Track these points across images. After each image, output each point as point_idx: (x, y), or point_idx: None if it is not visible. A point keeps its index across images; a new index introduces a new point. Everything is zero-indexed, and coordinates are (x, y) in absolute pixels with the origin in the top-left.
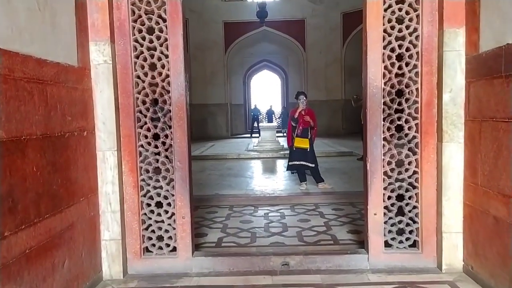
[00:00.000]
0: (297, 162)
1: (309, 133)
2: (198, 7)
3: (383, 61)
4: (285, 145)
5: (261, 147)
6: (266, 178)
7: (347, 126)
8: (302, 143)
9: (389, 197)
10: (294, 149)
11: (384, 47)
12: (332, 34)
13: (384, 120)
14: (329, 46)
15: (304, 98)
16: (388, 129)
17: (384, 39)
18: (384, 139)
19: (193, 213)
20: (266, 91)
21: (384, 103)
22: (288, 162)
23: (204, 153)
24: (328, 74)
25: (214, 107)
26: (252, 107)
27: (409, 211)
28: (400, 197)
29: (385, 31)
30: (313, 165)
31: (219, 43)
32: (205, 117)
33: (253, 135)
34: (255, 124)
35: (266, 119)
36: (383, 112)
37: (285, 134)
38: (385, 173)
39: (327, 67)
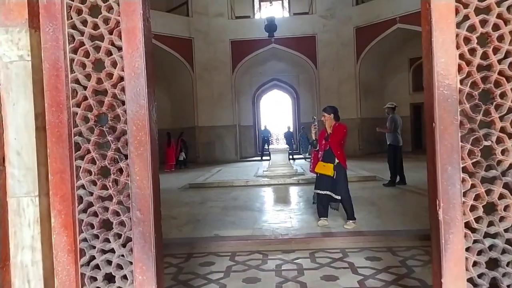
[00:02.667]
0: (321, 192)
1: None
2: (204, 26)
3: (458, 47)
4: (299, 170)
5: (272, 172)
6: (278, 211)
7: (364, 146)
8: (323, 169)
9: (475, 263)
10: (318, 175)
11: (458, 25)
12: (345, 50)
13: (463, 140)
14: (342, 62)
15: (326, 114)
16: (470, 153)
17: (457, 12)
18: (464, 170)
19: None
20: (276, 111)
21: (463, 112)
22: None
23: (208, 179)
24: (342, 92)
25: (222, 129)
26: (262, 128)
27: (509, 286)
28: (493, 263)
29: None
30: (339, 198)
31: (227, 62)
32: (213, 140)
33: (264, 158)
34: (266, 147)
35: (286, 143)
36: (461, 127)
37: (305, 157)
38: (467, 225)
39: (340, 85)
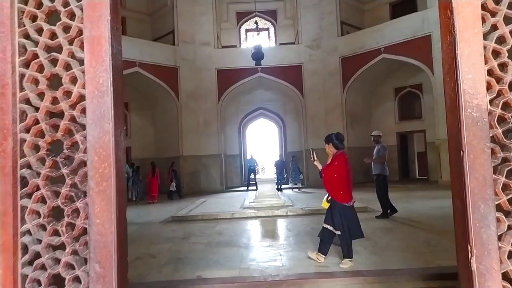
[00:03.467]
0: (324, 225)
1: None
2: (190, 55)
3: (486, 62)
4: (287, 201)
5: (259, 203)
6: (267, 247)
7: (353, 176)
8: (323, 202)
9: None
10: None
11: (485, 37)
12: (331, 79)
13: (496, 172)
14: (328, 91)
15: (325, 144)
16: (505, 188)
17: (483, 21)
18: (499, 208)
19: None
20: (263, 140)
21: (494, 139)
22: None
23: (192, 212)
24: (328, 121)
25: (207, 159)
26: (248, 157)
27: None
28: None
29: (484, 7)
30: (339, 232)
31: (212, 91)
32: (198, 170)
33: (250, 187)
34: (252, 176)
35: (276, 172)
36: (492, 156)
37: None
38: (505, 276)
39: (327, 114)
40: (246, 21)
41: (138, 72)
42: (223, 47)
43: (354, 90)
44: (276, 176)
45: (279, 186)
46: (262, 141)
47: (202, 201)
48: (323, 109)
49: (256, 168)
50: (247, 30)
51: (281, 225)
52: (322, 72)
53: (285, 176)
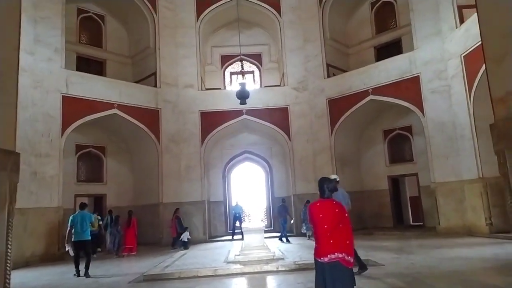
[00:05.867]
0: None
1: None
2: (172, 97)
3: None
4: (276, 254)
5: (246, 256)
6: None
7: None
8: None
9: None
10: None
11: None
12: (319, 121)
13: None
14: (316, 133)
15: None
16: None
17: None
18: None
19: None
20: (248, 185)
21: None
22: None
23: (168, 268)
24: (317, 164)
25: (189, 206)
26: (233, 204)
27: None
28: None
29: None
30: None
31: (196, 134)
32: (179, 218)
33: (235, 237)
34: (237, 224)
35: (281, 219)
36: None
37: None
38: None
39: (315, 157)
40: (231, 64)
41: (116, 114)
42: (207, 89)
43: (342, 132)
44: (280, 225)
45: (285, 237)
46: (248, 186)
47: (182, 254)
48: (311, 152)
49: (242, 216)
50: (231, 73)
51: (271, 284)
52: (309, 114)
53: (291, 223)
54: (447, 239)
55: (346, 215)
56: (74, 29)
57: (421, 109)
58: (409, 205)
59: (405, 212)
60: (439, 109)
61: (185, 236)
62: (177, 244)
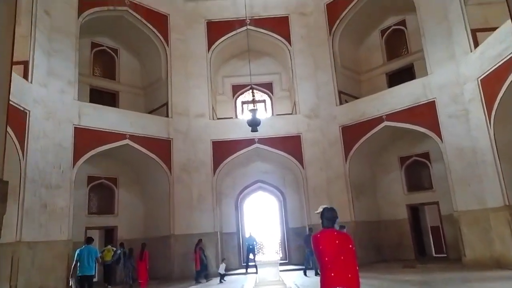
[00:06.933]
0: None
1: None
2: (184, 126)
3: None
4: None
5: None
6: None
7: (362, 253)
8: None
9: None
10: None
11: None
12: (332, 148)
13: None
14: (329, 161)
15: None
16: None
17: None
18: None
19: None
20: (262, 216)
21: None
22: None
23: None
24: (332, 193)
25: (201, 238)
26: (247, 235)
27: None
28: None
29: None
30: None
31: (207, 163)
32: (191, 251)
33: (249, 270)
34: (251, 256)
35: (307, 249)
36: None
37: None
38: None
39: (329, 185)
40: (242, 93)
41: (128, 145)
42: (219, 118)
43: (357, 159)
44: (306, 257)
45: (314, 270)
46: (261, 217)
47: None
48: (325, 180)
49: (255, 248)
50: (243, 102)
51: None
52: (322, 142)
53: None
54: (475, 272)
55: (350, 246)
56: (88, 62)
57: (439, 135)
58: (430, 235)
59: (426, 242)
60: (458, 134)
61: (222, 268)
62: (201, 277)
